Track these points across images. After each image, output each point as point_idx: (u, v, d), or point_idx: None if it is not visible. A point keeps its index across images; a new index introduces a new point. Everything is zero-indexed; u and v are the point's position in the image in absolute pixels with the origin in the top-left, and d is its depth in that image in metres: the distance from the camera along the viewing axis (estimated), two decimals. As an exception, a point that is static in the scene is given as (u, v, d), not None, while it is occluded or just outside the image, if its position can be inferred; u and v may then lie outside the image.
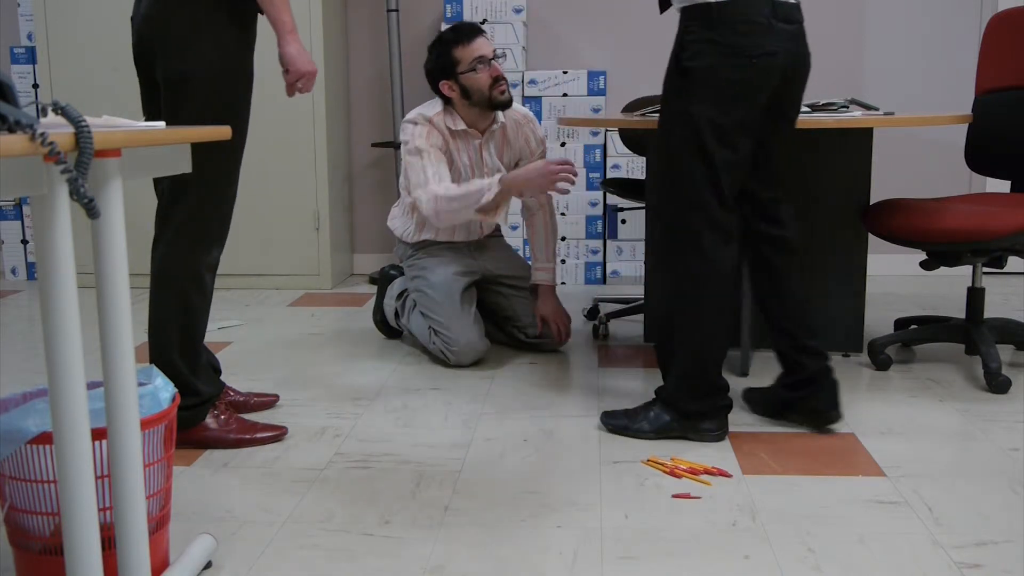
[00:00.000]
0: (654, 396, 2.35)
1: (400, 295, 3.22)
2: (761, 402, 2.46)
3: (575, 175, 2.67)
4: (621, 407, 2.53)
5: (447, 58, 2.83)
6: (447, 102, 2.90)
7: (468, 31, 2.84)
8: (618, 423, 2.34)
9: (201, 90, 2.08)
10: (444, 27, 4.19)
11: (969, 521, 1.84)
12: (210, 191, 2.14)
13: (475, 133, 2.92)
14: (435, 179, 2.80)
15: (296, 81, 2.12)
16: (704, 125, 2.15)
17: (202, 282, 2.18)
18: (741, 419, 2.43)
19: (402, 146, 2.90)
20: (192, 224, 2.15)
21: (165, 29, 2.09)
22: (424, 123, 2.86)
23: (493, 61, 2.83)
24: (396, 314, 3.23)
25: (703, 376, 2.26)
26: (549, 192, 2.82)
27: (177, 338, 2.18)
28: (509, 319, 3.09)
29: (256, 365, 3.00)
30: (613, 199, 4.28)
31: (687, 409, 2.27)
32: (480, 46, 2.82)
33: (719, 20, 2.10)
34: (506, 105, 2.86)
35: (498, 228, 3.24)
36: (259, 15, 2.23)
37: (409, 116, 2.90)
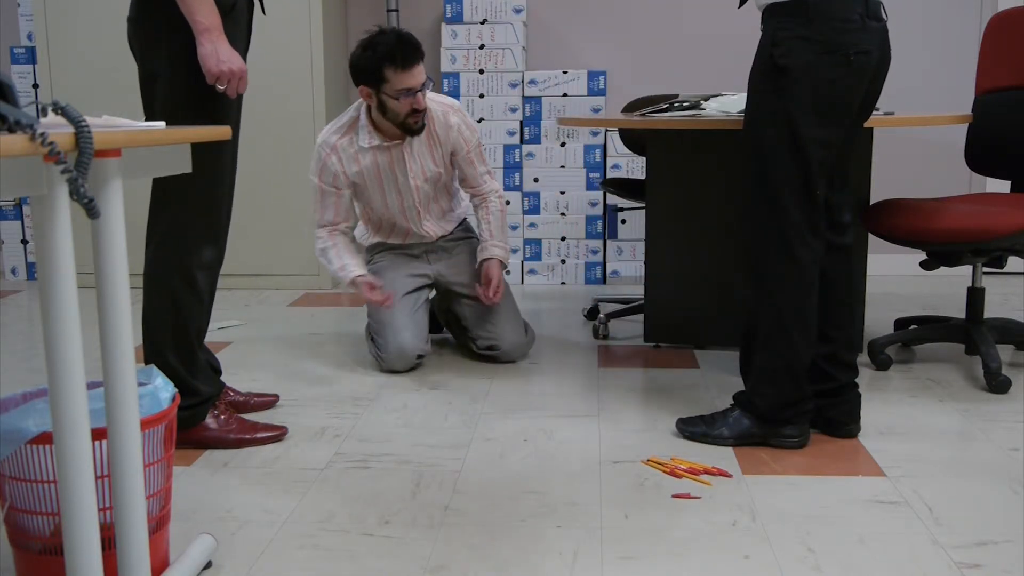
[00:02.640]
0: (732, 402, 2.29)
1: None
2: None
3: (387, 305, 2.82)
4: (622, 407, 2.53)
5: (377, 72, 2.69)
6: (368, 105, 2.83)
7: (408, 56, 2.68)
8: (696, 430, 2.28)
9: (170, 87, 2.08)
10: (444, 27, 4.20)
11: (969, 521, 1.84)
12: (197, 190, 2.13)
13: (393, 142, 2.83)
14: (319, 223, 2.91)
15: (214, 82, 2.04)
16: (801, 124, 2.09)
17: (193, 282, 2.17)
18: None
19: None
20: (180, 224, 2.14)
21: (138, 30, 2.11)
22: (323, 152, 2.84)
23: (419, 92, 2.72)
24: None
25: (786, 381, 2.18)
26: (494, 186, 3.02)
27: (170, 338, 2.18)
28: (465, 329, 3.03)
29: (256, 365, 3.00)
30: (613, 199, 4.28)
31: (769, 414, 2.21)
32: (413, 76, 2.69)
33: (816, 16, 2.05)
34: (416, 133, 2.80)
35: (469, 230, 3.15)
36: (252, 15, 2.23)
37: (319, 138, 2.86)
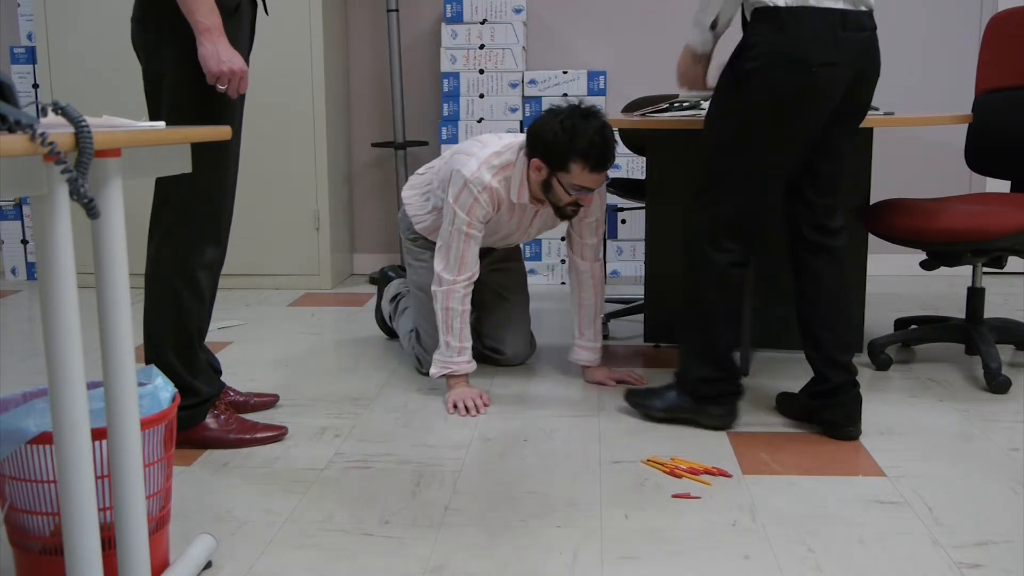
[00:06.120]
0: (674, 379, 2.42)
1: (394, 298, 3.19)
2: (788, 406, 2.45)
3: (476, 411, 2.52)
4: (622, 407, 2.53)
5: (562, 158, 2.45)
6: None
7: (604, 161, 2.45)
8: (635, 400, 2.44)
9: (174, 87, 2.08)
10: (444, 27, 4.20)
11: (969, 521, 1.84)
12: (198, 190, 2.13)
13: (536, 204, 2.65)
14: (454, 271, 2.58)
15: (215, 82, 2.04)
16: (753, 126, 2.15)
17: (195, 282, 2.17)
18: (741, 419, 2.43)
19: (451, 196, 2.58)
20: (181, 224, 2.14)
21: (143, 30, 2.11)
22: (477, 189, 2.54)
23: (591, 192, 2.52)
24: (390, 317, 3.21)
25: (705, 360, 2.30)
26: (598, 259, 2.75)
27: (171, 338, 2.18)
28: (479, 320, 2.97)
29: (256, 365, 3.00)
30: (613, 199, 4.28)
31: (697, 391, 2.33)
32: (596, 180, 2.48)
33: (787, 26, 2.09)
34: (568, 219, 2.61)
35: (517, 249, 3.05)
36: (255, 15, 2.23)
37: (470, 172, 2.54)
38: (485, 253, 2.93)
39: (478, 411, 2.51)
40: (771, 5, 2.09)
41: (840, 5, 2.10)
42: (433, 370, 2.61)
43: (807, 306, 2.33)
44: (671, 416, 2.37)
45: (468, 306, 2.62)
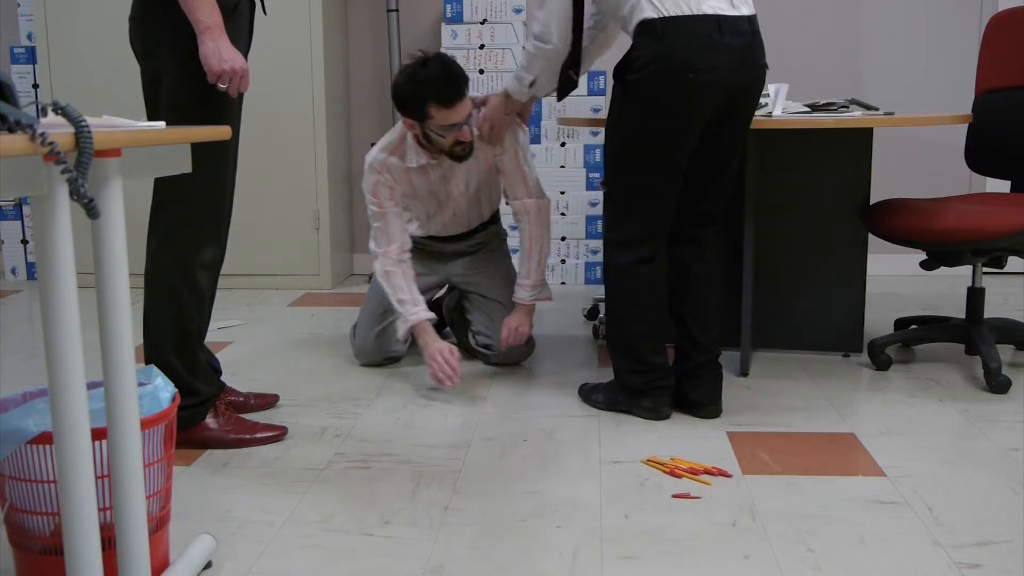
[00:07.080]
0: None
1: None
2: None
3: (450, 382, 2.59)
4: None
5: (420, 106, 2.57)
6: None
7: (452, 94, 2.53)
8: (584, 393, 2.58)
9: (173, 87, 2.08)
10: (444, 27, 4.20)
11: (969, 521, 1.84)
12: (199, 190, 2.13)
13: (435, 163, 2.77)
14: (383, 244, 2.77)
15: (216, 81, 2.04)
16: (636, 136, 2.27)
17: (195, 282, 2.17)
18: (741, 419, 2.43)
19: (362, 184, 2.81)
20: (181, 223, 2.14)
21: (142, 29, 2.11)
22: (375, 170, 2.75)
23: (464, 125, 2.61)
24: None
25: (627, 353, 2.41)
26: (541, 196, 2.84)
27: (171, 338, 2.18)
28: (469, 322, 3.00)
29: (256, 365, 3.00)
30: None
31: (629, 385, 2.44)
32: (457, 112, 2.56)
33: (662, 35, 2.16)
34: (462, 160, 2.71)
35: (498, 235, 3.10)
36: (253, 15, 2.23)
37: (369, 157, 2.77)
38: (457, 255, 3.03)
39: (452, 369, 2.59)
40: (649, 18, 2.17)
41: (716, 12, 2.16)
42: (401, 330, 2.75)
43: (675, 293, 2.46)
44: (611, 408, 2.49)
45: (408, 269, 2.77)
